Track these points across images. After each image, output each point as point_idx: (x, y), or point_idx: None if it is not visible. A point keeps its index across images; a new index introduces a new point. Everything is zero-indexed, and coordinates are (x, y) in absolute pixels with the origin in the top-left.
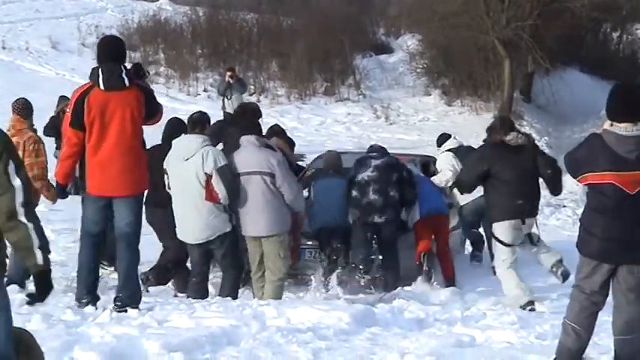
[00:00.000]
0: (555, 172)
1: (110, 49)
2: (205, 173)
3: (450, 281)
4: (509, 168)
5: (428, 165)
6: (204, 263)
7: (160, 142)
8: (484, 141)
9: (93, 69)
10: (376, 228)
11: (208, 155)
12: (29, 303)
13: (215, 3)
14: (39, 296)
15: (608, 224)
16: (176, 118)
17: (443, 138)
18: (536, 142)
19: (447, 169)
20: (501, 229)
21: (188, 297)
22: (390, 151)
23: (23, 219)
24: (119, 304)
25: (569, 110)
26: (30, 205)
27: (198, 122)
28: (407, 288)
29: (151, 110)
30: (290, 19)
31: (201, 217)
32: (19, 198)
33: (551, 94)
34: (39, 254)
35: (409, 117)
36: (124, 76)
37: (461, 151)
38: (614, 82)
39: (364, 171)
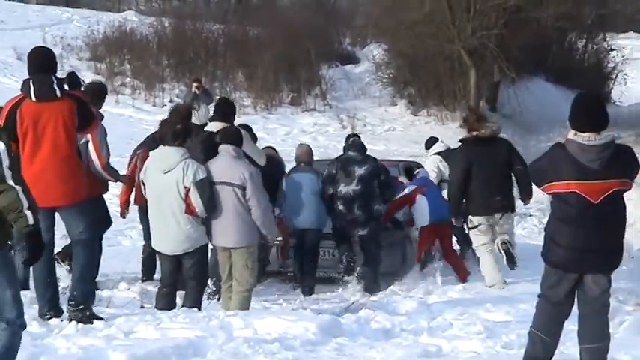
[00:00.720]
0: (526, 170)
1: (40, 61)
2: (185, 187)
3: (464, 281)
4: (486, 161)
5: (411, 170)
6: (175, 274)
7: None
8: (460, 141)
9: (24, 81)
10: (360, 238)
11: (188, 168)
12: (25, 263)
13: (181, 14)
14: (32, 257)
15: (572, 233)
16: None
17: (431, 142)
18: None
19: (431, 171)
20: (477, 221)
21: (156, 307)
22: None
23: (11, 182)
24: (72, 303)
25: (534, 119)
26: (15, 168)
27: (179, 135)
28: (373, 298)
29: (85, 119)
30: (256, 29)
31: (180, 229)
32: (5, 161)
33: (517, 104)
34: (29, 215)
35: (375, 127)
36: (55, 86)
37: (448, 155)
38: (580, 91)
39: (349, 184)
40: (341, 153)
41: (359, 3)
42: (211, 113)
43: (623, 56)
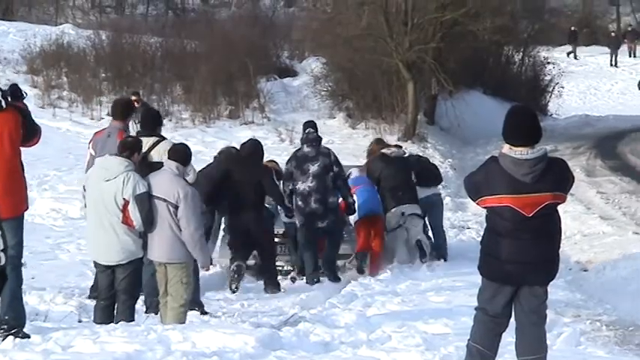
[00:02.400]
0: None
1: None
2: (123, 198)
3: (372, 274)
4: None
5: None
6: (112, 285)
7: None
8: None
9: None
10: (321, 230)
11: (129, 181)
12: None
13: (118, 27)
14: None
15: (508, 246)
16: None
17: None
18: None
19: None
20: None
21: (94, 321)
22: None
23: None
24: (5, 327)
25: (472, 132)
26: None
27: (129, 147)
28: (312, 311)
29: (30, 132)
30: (194, 42)
31: (117, 239)
32: None
33: (454, 117)
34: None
35: None
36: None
37: None
38: (512, 105)
39: (305, 180)
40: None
41: (296, 17)
42: None
43: (559, 69)
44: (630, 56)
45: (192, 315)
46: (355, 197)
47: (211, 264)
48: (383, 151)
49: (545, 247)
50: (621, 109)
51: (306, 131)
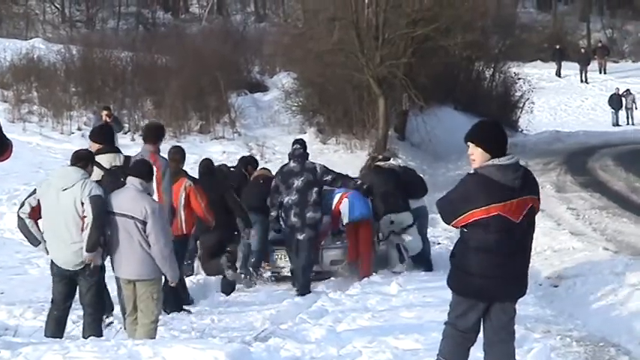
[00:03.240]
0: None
1: None
2: (82, 202)
3: (360, 277)
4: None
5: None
6: (68, 296)
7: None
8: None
9: None
10: (298, 242)
11: (86, 186)
12: None
13: (89, 41)
14: None
15: (486, 261)
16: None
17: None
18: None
19: None
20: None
21: (45, 335)
22: None
23: None
24: None
25: (443, 148)
26: None
27: (83, 159)
28: (283, 326)
29: (1, 146)
30: (164, 57)
31: (75, 244)
32: None
33: (425, 132)
34: None
35: (285, 155)
36: None
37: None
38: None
39: (289, 194)
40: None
41: (268, 32)
42: (120, 141)
43: (530, 85)
44: (600, 72)
45: (164, 331)
46: (346, 202)
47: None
48: (377, 163)
49: (519, 262)
50: (591, 125)
51: (294, 147)
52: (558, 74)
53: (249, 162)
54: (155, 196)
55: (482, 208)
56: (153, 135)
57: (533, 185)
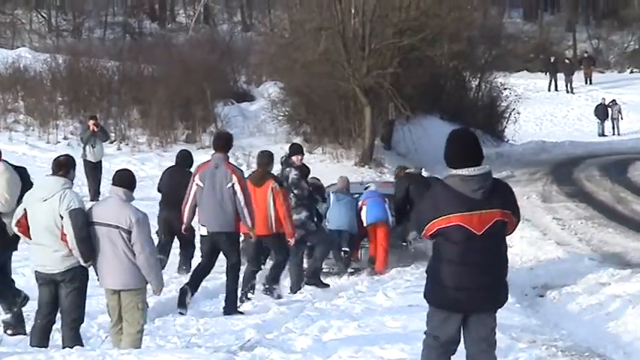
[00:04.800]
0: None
1: None
2: (61, 215)
3: (379, 272)
4: None
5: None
6: (53, 304)
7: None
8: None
9: None
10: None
11: (65, 197)
12: None
13: (75, 50)
14: None
15: (456, 273)
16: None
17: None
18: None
19: None
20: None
21: (30, 344)
22: None
23: None
24: None
25: (429, 157)
26: None
27: (64, 165)
28: (269, 336)
29: None
30: (151, 66)
31: (56, 252)
32: None
33: (411, 142)
34: None
35: None
36: None
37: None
38: (474, 130)
39: None
40: None
41: (254, 41)
42: (106, 150)
43: (516, 95)
44: (586, 83)
45: (150, 340)
46: (365, 209)
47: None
48: (407, 170)
49: (493, 273)
50: (577, 136)
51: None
52: (555, 88)
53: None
54: (243, 204)
55: (443, 217)
56: (224, 144)
57: (504, 198)
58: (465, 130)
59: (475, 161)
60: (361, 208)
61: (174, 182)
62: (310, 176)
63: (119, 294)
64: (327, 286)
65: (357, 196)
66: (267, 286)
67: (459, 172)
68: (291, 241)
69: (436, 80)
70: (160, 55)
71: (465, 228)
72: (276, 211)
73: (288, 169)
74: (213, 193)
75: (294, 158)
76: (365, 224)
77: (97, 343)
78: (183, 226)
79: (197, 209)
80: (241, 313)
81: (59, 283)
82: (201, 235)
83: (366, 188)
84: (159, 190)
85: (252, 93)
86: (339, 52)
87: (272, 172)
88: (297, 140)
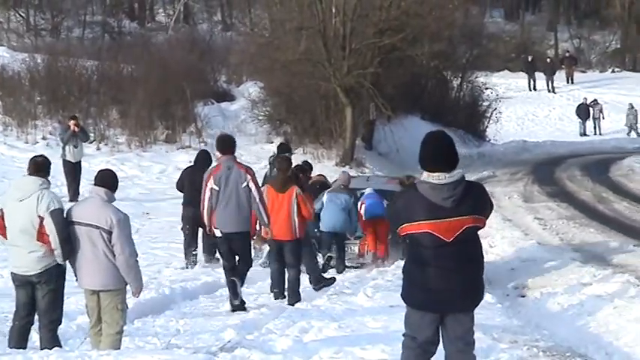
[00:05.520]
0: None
1: None
2: (38, 216)
3: (382, 259)
4: None
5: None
6: (31, 305)
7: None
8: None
9: None
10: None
11: (43, 198)
12: None
13: (54, 50)
14: None
15: (428, 274)
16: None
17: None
18: None
19: None
20: None
21: (8, 346)
22: None
23: None
24: None
25: (410, 157)
26: None
27: (41, 166)
28: (249, 337)
29: None
30: (130, 66)
31: (32, 253)
32: None
33: (392, 142)
34: None
35: (251, 164)
36: None
37: None
38: (455, 129)
39: None
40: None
41: (234, 41)
42: (85, 150)
43: (497, 95)
44: (568, 82)
45: (129, 341)
46: (364, 207)
47: None
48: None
49: (467, 274)
50: (559, 135)
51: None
52: (533, 88)
53: (303, 168)
54: (258, 200)
55: (414, 223)
56: (230, 145)
57: (475, 204)
58: (440, 133)
59: (449, 165)
60: (360, 207)
61: (199, 181)
62: (316, 173)
63: (98, 294)
64: (333, 279)
65: (360, 192)
66: (292, 301)
67: (430, 179)
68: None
69: (417, 80)
70: (140, 55)
71: (435, 235)
72: (301, 217)
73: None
74: (230, 195)
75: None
76: (364, 218)
77: (75, 345)
78: (207, 230)
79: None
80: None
81: (35, 284)
82: (218, 237)
83: (362, 195)
84: (180, 190)
85: (232, 93)
86: (319, 51)
87: (291, 176)
88: (278, 140)
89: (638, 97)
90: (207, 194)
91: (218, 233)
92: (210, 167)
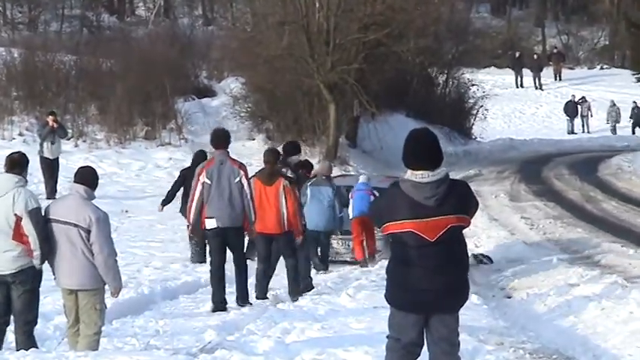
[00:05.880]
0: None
1: None
2: (15, 214)
3: (370, 256)
4: None
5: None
6: (6, 306)
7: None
8: None
9: None
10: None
11: (20, 196)
12: None
13: (31, 44)
14: None
15: (412, 274)
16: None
17: None
18: None
19: None
20: None
21: None
22: None
23: None
24: None
25: (395, 155)
26: None
27: (17, 163)
28: (230, 337)
29: None
30: (109, 61)
31: (7, 252)
32: None
33: (377, 139)
34: None
35: None
36: None
37: None
38: (441, 127)
39: None
40: None
41: (216, 36)
42: (63, 147)
43: (483, 92)
44: (556, 79)
45: (107, 342)
46: (351, 202)
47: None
48: None
49: (451, 274)
50: (546, 133)
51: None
52: (520, 85)
53: (304, 165)
54: (249, 197)
55: (397, 222)
56: (225, 141)
57: (459, 203)
58: (423, 131)
59: (432, 163)
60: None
61: None
62: None
63: (76, 294)
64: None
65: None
66: (294, 298)
67: (412, 178)
68: (299, 240)
69: (402, 76)
70: (119, 50)
71: (418, 235)
72: (288, 209)
73: (284, 169)
74: (222, 190)
75: (293, 158)
76: (350, 217)
77: (53, 345)
78: (190, 228)
79: (205, 206)
80: (250, 304)
81: (10, 284)
82: (208, 230)
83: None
84: (172, 194)
85: (213, 89)
86: (302, 47)
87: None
88: (260, 137)
89: (627, 95)
90: (199, 187)
91: (212, 224)
92: (204, 162)
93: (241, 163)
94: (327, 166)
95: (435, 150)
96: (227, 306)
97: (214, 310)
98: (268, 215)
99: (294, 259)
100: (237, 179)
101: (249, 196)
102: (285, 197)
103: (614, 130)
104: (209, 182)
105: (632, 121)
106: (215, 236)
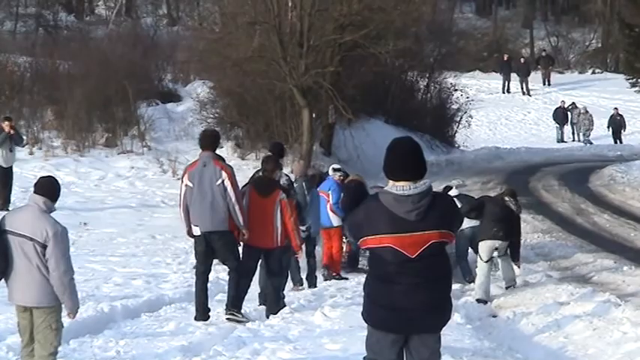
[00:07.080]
0: None
1: None
2: None
3: (335, 276)
4: None
5: None
6: None
7: None
8: None
9: None
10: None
11: None
12: None
13: None
14: None
15: (391, 292)
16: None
17: (447, 189)
18: None
19: None
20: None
21: None
22: None
23: None
24: None
25: (372, 164)
26: None
27: None
28: (196, 359)
29: None
30: (67, 62)
31: None
32: None
33: (353, 147)
34: None
35: None
36: None
37: (460, 198)
38: (422, 135)
39: None
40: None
41: (181, 36)
42: (18, 155)
43: (467, 97)
44: (544, 84)
45: None
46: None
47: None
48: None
49: (432, 292)
50: (534, 141)
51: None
52: (507, 90)
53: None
54: (234, 200)
55: (375, 236)
56: (211, 141)
57: (442, 217)
58: (406, 140)
59: (415, 175)
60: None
61: None
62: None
63: (31, 312)
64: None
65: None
66: (273, 313)
67: (393, 190)
68: (299, 254)
69: (381, 80)
70: (77, 51)
71: (397, 250)
72: (285, 224)
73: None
74: (203, 192)
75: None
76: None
77: None
78: (186, 230)
79: (189, 210)
80: (241, 314)
81: None
82: (195, 236)
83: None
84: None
85: (178, 93)
86: (274, 48)
87: (277, 179)
88: (229, 145)
89: (620, 101)
90: (182, 190)
91: (197, 232)
92: (190, 163)
93: (226, 165)
94: (302, 167)
95: (419, 161)
96: (192, 324)
97: (196, 319)
98: (260, 228)
99: (281, 280)
100: (219, 182)
101: (233, 199)
102: (282, 212)
103: (587, 141)
104: (191, 185)
105: (610, 130)
106: (199, 241)
